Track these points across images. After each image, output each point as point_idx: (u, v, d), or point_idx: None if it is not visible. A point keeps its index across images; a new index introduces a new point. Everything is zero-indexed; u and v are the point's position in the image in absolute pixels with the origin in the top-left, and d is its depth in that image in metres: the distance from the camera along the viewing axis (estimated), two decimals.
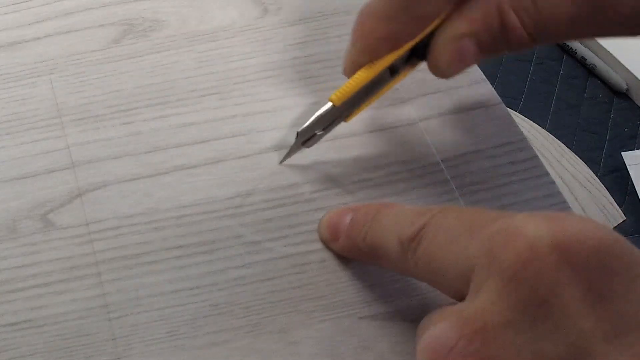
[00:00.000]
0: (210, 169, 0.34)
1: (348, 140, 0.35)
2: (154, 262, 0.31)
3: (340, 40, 0.38)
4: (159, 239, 0.31)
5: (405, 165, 0.34)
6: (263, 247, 0.32)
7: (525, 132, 0.36)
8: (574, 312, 0.21)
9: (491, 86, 0.38)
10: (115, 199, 0.32)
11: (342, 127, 0.35)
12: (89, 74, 0.37)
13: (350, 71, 0.31)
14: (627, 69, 0.58)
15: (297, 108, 0.36)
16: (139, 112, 0.35)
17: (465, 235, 0.24)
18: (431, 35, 0.31)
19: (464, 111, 0.36)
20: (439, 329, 0.23)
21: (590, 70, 0.53)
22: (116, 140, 0.34)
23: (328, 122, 0.32)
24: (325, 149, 0.34)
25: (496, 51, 0.31)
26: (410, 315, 0.30)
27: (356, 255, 0.31)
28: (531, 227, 0.22)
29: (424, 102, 0.36)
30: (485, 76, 0.38)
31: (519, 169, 0.34)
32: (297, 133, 0.32)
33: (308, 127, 0.32)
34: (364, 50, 0.31)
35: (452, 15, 0.30)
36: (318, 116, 0.32)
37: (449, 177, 0.34)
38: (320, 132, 0.32)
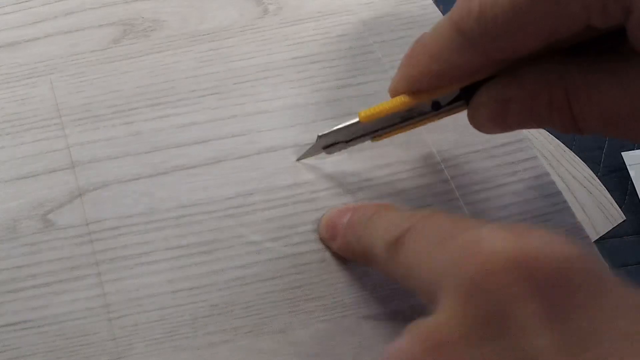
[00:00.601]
0: (210, 169, 0.34)
1: None
2: (154, 262, 0.31)
3: (340, 41, 0.38)
4: (159, 239, 0.31)
5: (405, 165, 0.34)
6: (263, 247, 0.32)
7: (525, 132, 0.36)
8: (531, 328, 0.21)
9: None
10: (115, 199, 0.32)
11: None
12: (89, 74, 0.36)
13: (392, 93, 0.30)
14: None
15: (297, 108, 0.36)
16: (139, 112, 0.35)
17: (439, 246, 0.24)
18: (479, 84, 0.28)
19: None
20: (403, 341, 0.23)
21: None
22: (116, 140, 0.34)
23: (352, 135, 0.31)
24: None
25: (540, 125, 0.28)
26: (411, 316, 0.30)
27: (351, 256, 0.31)
28: (494, 240, 0.22)
29: None
30: None
31: (519, 169, 0.34)
32: (318, 136, 0.31)
33: (330, 133, 0.31)
34: (406, 79, 0.29)
35: (504, 73, 0.28)
36: (342, 127, 0.31)
37: (449, 177, 0.34)
38: (343, 143, 0.31)
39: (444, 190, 0.34)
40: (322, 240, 0.32)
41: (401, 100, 0.28)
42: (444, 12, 0.40)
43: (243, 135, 0.35)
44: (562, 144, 0.57)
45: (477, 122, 0.29)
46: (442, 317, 0.22)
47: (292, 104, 0.36)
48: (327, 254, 0.32)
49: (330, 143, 0.31)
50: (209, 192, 0.33)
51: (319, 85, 0.37)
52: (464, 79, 0.28)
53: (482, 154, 0.35)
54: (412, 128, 0.30)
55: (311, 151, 0.32)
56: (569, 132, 0.27)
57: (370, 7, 0.40)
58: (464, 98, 0.29)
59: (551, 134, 0.58)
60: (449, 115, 0.30)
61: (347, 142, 0.31)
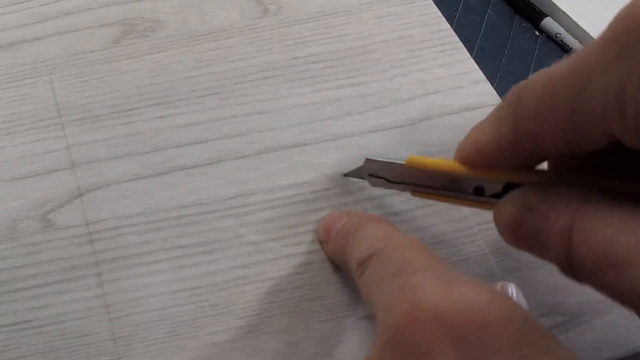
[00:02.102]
0: (210, 169, 0.34)
1: (348, 140, 0.35)
2: (154, 262, 0.31)
3: (340, 40, 0.38)
4: (159, 239, 0.31)
5: None
6: (263, 247, 0.32)
7: None
8: None
9: (491, 86, 0.38)
10: (115, 199, 0.32)
11: (342, 127, 0.35)
12: (89, 74, 0.36)
13: (456, 155, 0.27)
14: None
15: (297, 108, 0.36)
16: (139, 112, 0.35)
17: (386, 281, 0.24)
18: (512, 186, 0.26)
19: (464, 111, 0.36)
20: None
21: None
22: (116, 140, 0.34)
23: (395, 177, 0.29)
24: (326, 149, 0.34)
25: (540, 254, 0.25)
26: None
27: (337, 263, 0.31)
28: (423, 290, 0.22)
29: (424, 102, 0.36)
30: (485, 76, 0.38)
31: None
32: (365, 159, 0.31)
33: (374, 161, 0.30)
34: (457, 153, 0.27)
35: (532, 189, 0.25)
36: (387, 161, 0.29)
37: None
38: (385, 181, 0.30)
39: None
40: (319, 242, 0.32)
41: (448, 164, 0.27)
42: (443, 12, 0.40)
43: (243, 135, 0.35)
44: None
45: (498, 223, 0.26)
46: (372, 354, 0.23)
47: (292, 104, 0.36)
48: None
49: (374, 173, 0.30)
50: (209, 192, 0.33)
51: (319, 86, 0.37)
52: (502, 163, 0.25)
53: None
54: (450, 202, 0.28)
55: (358, 172, 0.32)
56: (565, 270, 0.23)
57: (370, 7, 0.40)
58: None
59: None
60: (485, 208, 0.27)
61: (388, 181, 0.30)
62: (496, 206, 0.25)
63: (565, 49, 0.52)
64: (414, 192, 0.29)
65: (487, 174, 0.26)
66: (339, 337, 0.30)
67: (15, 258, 0.31)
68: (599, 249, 0.21)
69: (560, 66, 0.22)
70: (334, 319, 0.30)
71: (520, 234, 0.24)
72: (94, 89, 0.36)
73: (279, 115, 0.35)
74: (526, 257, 0.32)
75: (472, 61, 0.38)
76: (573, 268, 0.22)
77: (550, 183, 0.24)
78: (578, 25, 0.49)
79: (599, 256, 0.21)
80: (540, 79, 0.22)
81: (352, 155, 0.34)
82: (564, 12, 0.49)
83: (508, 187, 0.26)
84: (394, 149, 0.35)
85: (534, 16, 0.49)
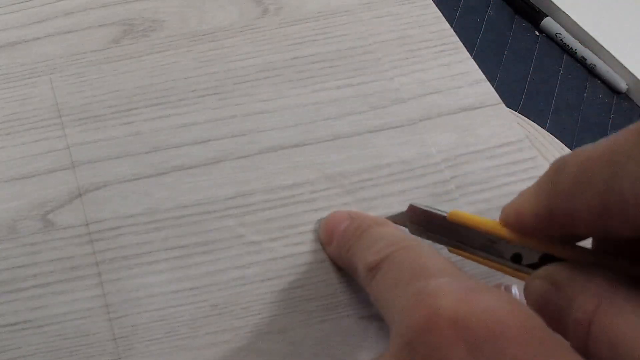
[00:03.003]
0: (210, 169, 0.34)
1: (348, 140, 0.35)
2: (154, 262, 0.31)
3: (340, 40, 0.38)
4: (159, 239, 0.31)
5: (405, 165, 0.34)
6: (263, 247, 0.32)
7: (525, 132, 0.36)
8: None
9: (491, 86, 0.38)
10: (115, 199, 0.32)
11: (342, 127, 0.35)
12: (89, 74, 0.37)
13: (502, 216, 0.27)
14: (627, 69, 0.58)
15: (297, 108, 0.36)
16: (139, 112, 0.35)
17: (402, 286, 0.24)
18: (549, 258, 0.25)
19: (464, 111, 0.36)
20: None
21: (590, 70, 0.53)
22: (116, 140, 0.34)
23: (435, 228, 0.29)
24: (326, 150, 0.34)
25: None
26: None
27: (342, 264, 0.31)
28: (442, 295, 0.22)
29: (424, 102, 0.36)
30: (485, 76, 0.38)
31: (519, 169, 0.34)
32: (409, 205, 0.30)
33: (417, 208, 0.30)
34: (501, 215, 0.27)
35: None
36: (430, 210, 0.29)
37: (449, 177, 0.34)
38: (426, 232, 0.29)
39: (444, 191, 0.34)
40: (320, 243, 0.32)
41: (489, 223, 0.27)
42: (444, 12, 0.40)
43: (243, 135, 0.35)
44: (562, 144, 0.57)
45: (526, 294, 0.25)
46: (386, 356, 0.23)
47: (292, 104, 0.36)
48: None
49: (416, 221, 0.30)
50: (209, 192, 0.33)
51: (319, 85, 0.37)
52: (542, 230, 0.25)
53: (482, 154, 0.35)
54: (487, 265, 0.28)
55: (399, 217, 0.31)
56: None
57: (370, 7, 0.40)
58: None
59: (552, 134, 0.58)
60: (521, 278, 0.26)
61: (428, 231, 0.29)
62: (528, 277, 0.25)
63: (565, 49, 0.52)
64: (452, 250, 0.29)
65: (526, 242, 0.26)
66: (339, 337, 0.30)
67: (15, 258, 0.31)
68: (617, 347, 0.21)
69: (600, 143, 0.22)
70: (334, 319, 0.30)
71: (545, 311, 0.24)
72: (94, 89, 0.36)
73: (279, 115, 0.35)
74: None
75: (472, 61, 0.38)
76: (589, 358, 0.22)
77: (584, 263, 0.24)
78: (578, 25, 0.49)
79: (615, 355, 0.21)
80: (581, 154, 0.22)
81: (352, 155, 0.34)
82: (564, 12, 0.49)
83: (544, 259, 0.25)
84: (394, 149, 0.35)
85: (534, 16, 0.50)
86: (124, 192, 0.33)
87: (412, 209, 0.30)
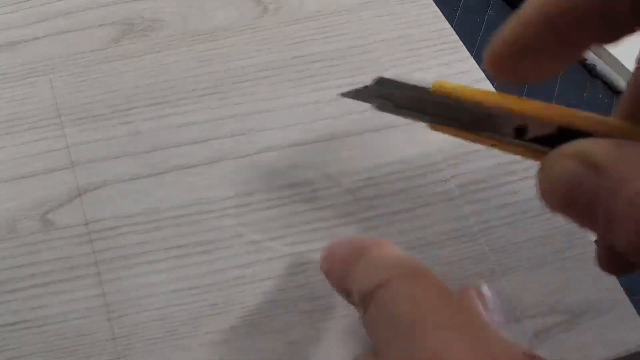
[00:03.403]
0: (210, 169, 0.34)
1: (348, 140, 0.35)
2: (154, 262, 0.31)
3: (339, 40, 0.38)
4: (159, 239, 0.31)
5: (406, 164, 0.34)
6: (263, 247, 0.31)
7: None
8: None
9: (491, 86, 0.37)
10: (114, 198, 0.32)
11: (342, 127, 0.35)
12: (88, 73, 0.36)
13: (490, 60, 0.23)
14: (627, 69, 0.58)
15: (297, 108, 0.36)
16: (139, 112, 0.35)
17: (400, 332, 0.21)
18: (568, 134, 0.21)
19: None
20: None
21: (590, 70, 0.53)
22: (116, 140, 0.34)
23: (412, 103, 0.24)
24: (325, 149, 0.34)
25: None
26: None
27: (341, 294, 0.28)
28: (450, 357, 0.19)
29: None
30: (485, 76, 0.38)
31: (520, 168, 0.34)
32: (378, 78, 0.26)
33: (388, 81, 0.25)
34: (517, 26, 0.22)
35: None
36: (408, 83, 0.24)
37: (449, 176, 0.34)
38: (398, 108, 0.25)
39: (444, 190, 0.34)
40: (323, 272, 0.28)
41: (491, 95, 0.22)
42: (444, 12, 0.40)
43: (243, 134, 0.35)
44: None
45: (546, 177, 0.21)
46: None
47: (292, 103, 0.36)
48: None
49: (386, 95, 0.25)
50: (208, 191, 0.33)
51: (319, 85, 0.36)
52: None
53: (482, 154, 0.35)
54: (479, 142, 0.23)
55: (362, 93, 0.26)
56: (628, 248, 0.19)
57: (370, 6, 0.40)
58: (554, 144, 0.21)
59: None
60: (525, 155, 0.23)
61: (401, 107, 0.25)
62: (546, 156, 0.20)
63: None
64: (434, 127, 0.24)
65: (541, 112, 0.21)
66: (339, 337, 0.30)
67: (14, 258, 0.31)
68: None
69: None
70: (334, 319, 0.30)
71: (576, 197, 0.20)
72: (93, 89, 0.36)
73: (278, 115, 0.35)
74: (526, 256, 0.32)
75: (472, 60, 0.38)
76: None
77: (624, 138, 0.19)
78: None
79: None
80: None
81: (352, 154, 0.34)
82: None
83: (562, 134, 0.21)
84: (394, 149, 0.35)
85: None
86: (124, 192, 0.33)
87: (382, 82, 0.25)
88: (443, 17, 0.39)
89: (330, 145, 0.34)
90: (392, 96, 0.25)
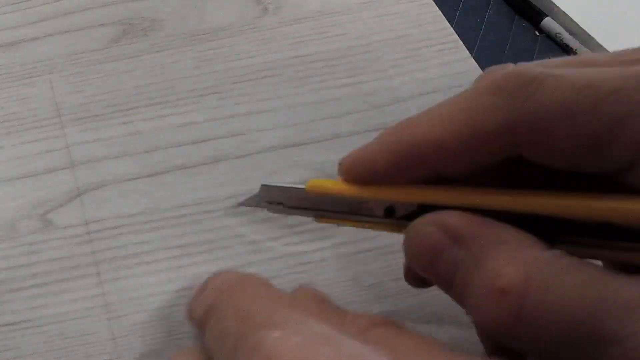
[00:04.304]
0: (210, 169, 0.34)
1: (348, 140, 0.35)
2: (154, 262, 0.31)
3: (339, 40, 0.38)
4: (158, 239, 0.31)
5: None
6: (263, 247, 0.31)
7: None
8: None
9: None
10: (114, 198, 0.32)
11: (341, 126, 0.35)
12: (88, 73, 0.36)
13: (345, 169, 0.25)
14: None
15: (296, 107, 0.36)
16: (139, 112, 0.35)
17: (230, 338, 0.21)
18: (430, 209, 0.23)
19: None
20: None
21: None
22: (116, 140, 0.34)
23: (296, 203, 0.27)
24: (325, 149, 0.34)
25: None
26: (411, 315, 0.30)
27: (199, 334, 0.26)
28: (278, 356, 0.19)
29: (424, 102, 0.36)
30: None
31: None
32: (261, 185, 0.29)
33: (272, 187, 0.28)
34: (390, 149, 0.23)
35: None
36: (286, 186, 0.27)
37: None
38: (286, 208, 0.28)
39: None
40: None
41: (353, 188, 0.24)
42: (444, 12, 0.40)
43: (242, 134, 0.35)
44: None
45: (410, 242, 0.23)
46: None
47: (292, 103, 0.36)
48: (327, 254, 0.31)
49: (273, 200, 0.28)
50: (208, 191, 0.33)
51: (319, 85, 0.36)
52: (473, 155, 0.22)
53: None
54: (358, 226, 0.26)
55: (253, 199, 0.29)
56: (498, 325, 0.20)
57: (370, 6, 0.40)
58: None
59: None
60: (397, 231, 0.24)
61: (289, 207, 0.28)
62: (411, 224, 0.22)
63: (565, 49, 0.52)
64: (319, 219, 0.27)
65: (400, 195, 0.23)
66: None
67: (14, 258, 0.31)
68: (570, 314, 0.19)
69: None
70: None
71: (437, 264, 0.22)
72: (93, 89, 0.36)
73: (278, 115, 0.35)
74: None
75: (472, 60, 0.38)
76: (517, 328, 0.20)
77: (484, 211, 0.21)
78: (578, 25, 0.49)
79: (567, 322, 0.19)
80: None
81: None
82: (564, 12, 0.49)
83: (426, 210, 0.23)
84: None
85: (534, 16, 0.49)
86: (124, 192, 0.33)
87: (266, 188, 0.28)
88: (443, 17, 0.39)
89: (331, 145, 0.34)
90: (279, 199, 0.28)
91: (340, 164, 0.25)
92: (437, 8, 0.40)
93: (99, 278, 0.30)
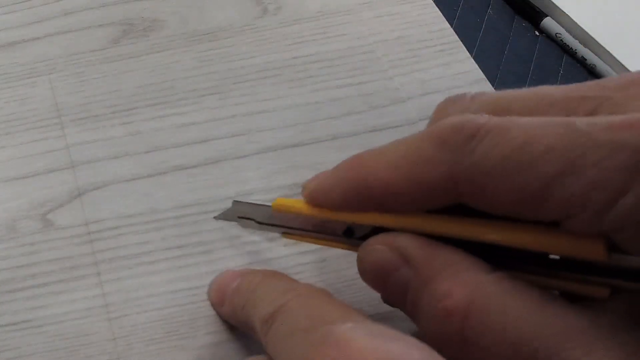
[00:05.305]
0: (210, 169, 0.34)
1: (348, 140, 0.35)
2: (154, 262, 0.31)
3: (339, 40, 0.38)
4: (159, 239, 0.31)
5: None
6: (262, 247, 0.31)
7: None
8: None
9: (491, 86, 0.38)
10: (114, 199, 0.32)
11: (341, 127, 0.35)
12: (88, 74, 0.36)
13: (306, 194, 0.26)
14: (627, 69, 0.58)
15: (297, 108, 0.36)
16: (139, 112, 0.35)
17: (299, 335, 0.22)
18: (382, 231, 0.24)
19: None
20: None
21: (590, 70, 0.53)
22: (116, 140, 0.34)
23: (265, 219, 0.28)
24: (325, 149, 0.34)
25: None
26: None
27: (237, 324, 0.29)
28: (348, 344, 0.20)
29: (424, 102, 0.36)
30: (485, 76, 0.38)
31: None
32: (233, 201, 0.30)
33: (243, 203, 0.29)
34: (344, 185, 0.25)
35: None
36: (255, 204, 0.29)
37: None
38: (256, 223, 0.29)
39: None
40: (212, 305, 0.30)
41: (313, 210, 0.26)
42: (443, 12, 0.40)
43: (243, 135, 0.35)
44: None
45: (362, 263, 0.25)
46: None
47: (292, 104, 0.36)
48: (327, 254, 0.31)
49: (244, 215, 0.29)
50: (208, 191, 0.33)
51: (319, 85, 0.37)
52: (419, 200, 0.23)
53: None
54: (321, 244, 0.27)
55: (228, 214, 0.30)
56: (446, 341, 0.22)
57: (370, 7, 0.40)
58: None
59: None
60: (356, 250, 0.26)
61: (259, 223, 0.29)
62: (364, 243, 0.24)
63: (565, 49, 0.52)
64: (285, 235, 0.28)
65: (355, 217, 0.25)
66: None
67: (14, 258, 0.31)
68: (510, 337, 0.20)
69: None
70: None
71: (389, 283, 0.23)
72: (93, 89, 0.36)
73: (278, 115, 0.35)
74: None
75: (472, 61, 0.38)
76: (462, 348, 0.21)
77: (434, 235, 0.23)
78: (578, 25, 0.49)
79: (508, 344, 0.20)
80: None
81: (352, 154, 0.34)
82: (564, 12, 0.49)
83: (376, 232, 0.24)
84: None
85: (534, 16, 0.49)
86: (124, 192, 0.33)
87: (237, 204, 0.30)
88: (443, 18, 0.39)
89: (330, 145, 0.34)
90: (250, 215, 0.29)
91: (303, 188, 0.26)
92: (437, 8, 0.40)
93: (99, 278, 0.30)
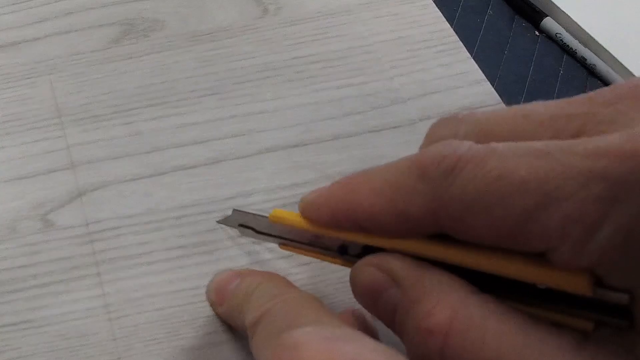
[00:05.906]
0: (210, 169, 0.34)
1: (348, 140, 0.35)
2: (154, 262, 0.31)
3: (339, 40, 0.38)
4: (159, 239, 0.31)
5: None
6: (262, 248, 0.31)
7: None
8: None
9: (491, 86, 0.38)
10: (115, 199, 0.32)
11: (341, 127, 0.35)
12: (89, 74, 0.37)
13: (302, 208, 0.26)
14: (627, 69, 0.58)
15: (297, 108, 0.36)
16: (139, 112, 0.35)
17: (272, 340, 0.22)
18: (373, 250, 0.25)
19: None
20: None
21: (590, 70, 0.53)
22: (116, 141, 0.34)
23: (263, 228, 0.29)
24: (326, 149, 0.34)
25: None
26: None
27: (234, 326, 0.29)
28: (303, 346, 0.20)
29: (424, 102, 0.36)
30: (485, 76, 0.38)
31: None
32: (233, 210, 0.30)
33: (242, 212, 0.30)
34: (333, 205, 0.25)
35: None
36: (253, 213, 0.29)
37: None
38: (256, 232, 0.29)
39: None
40: (211, 304, 0.30)
41: (309, 224, 0.26)
42: (443, 12, 0.40)
43: (243, 135, 0.35)
44: None
45: (354, 282, 0.25)
46: None
47: (292, 104, 0.36)
48: None
49: (243, 223, 0.30)
50: (209, 192, 0.33)
51: (319, 86, 0.37)
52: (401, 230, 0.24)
53: None
54: (316, 257, 0.28)
55: (229, 220, 0.31)
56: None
57: (370, 7, 0.40)
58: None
59: None
60: (350, 267, 0.26)
61: (258, 232, 0.29)
62: (356, 263, 0.25)
63: (565, 49, 0.52)
64: (282, 245, 0.29)
65: (345, 235, 0.25)
66: None
67: (15, 258, 0.31)
68: (489, 357, 0.20)
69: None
70: None
71: (379, 303, 0.24)
72: (93, 89, 0.36)
73: (278, 115, 0.35)
74: None
75: (472, 61, 0.38)
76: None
77: (423, 259, 0.23)
78: (578, 25, 0.49)
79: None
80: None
81: (352, 155, 0.34)
82: (564, 12, 0.49)
83: (368, 250, 0.25)
84: (394, 150, 0.35)
85: (534, 16, 0.50)
86: (124, 192, 0.33)
87: (237, 213, 0.30)
88: (443, 18, 0.40)
89: (331, 146, 0.35)
90: (250, 223, 0.29)
91: (300, 201, 0.26)
92: (437, 9, 0.40)
93: (100, 278, 0.30)
